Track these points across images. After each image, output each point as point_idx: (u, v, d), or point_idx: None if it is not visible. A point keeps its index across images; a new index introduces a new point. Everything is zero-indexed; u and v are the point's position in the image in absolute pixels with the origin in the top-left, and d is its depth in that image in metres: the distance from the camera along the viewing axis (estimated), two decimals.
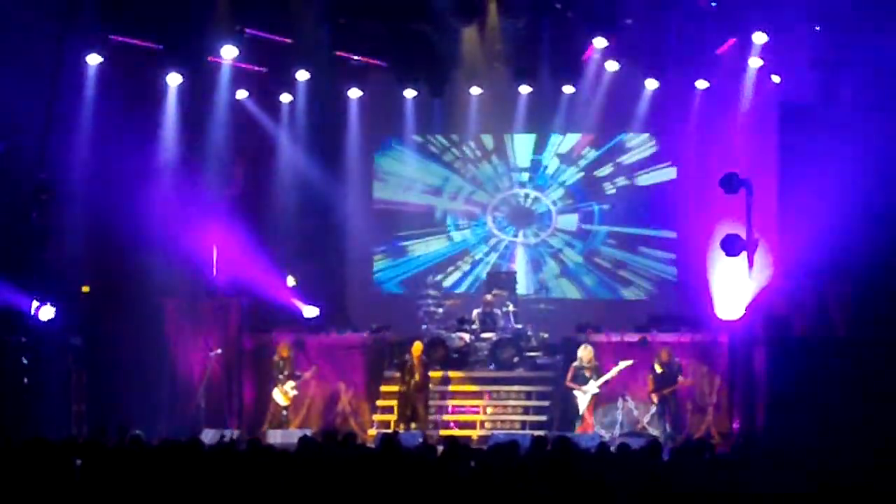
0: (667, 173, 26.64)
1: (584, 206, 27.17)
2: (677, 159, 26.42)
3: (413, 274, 27.41)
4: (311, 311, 24.75)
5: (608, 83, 24.42)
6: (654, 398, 21.48)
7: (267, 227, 25.13)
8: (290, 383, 22.48)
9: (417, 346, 22.16)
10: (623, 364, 21.61)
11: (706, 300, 22.85)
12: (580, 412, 21.69)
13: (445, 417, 22.70)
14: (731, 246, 18.72)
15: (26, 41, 20.43)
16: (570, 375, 21.87)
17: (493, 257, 27.38)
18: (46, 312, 20.98)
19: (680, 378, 21.59)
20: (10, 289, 20.64)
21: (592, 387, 21.58)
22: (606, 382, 21.64)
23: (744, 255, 18.96)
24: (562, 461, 11.57)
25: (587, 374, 21.71)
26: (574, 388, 21.76)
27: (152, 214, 22.58)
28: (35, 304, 20.91)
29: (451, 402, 22.99)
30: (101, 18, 21.49)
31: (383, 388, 23.18)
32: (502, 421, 22.61)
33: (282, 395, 22.54)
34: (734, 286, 21.60)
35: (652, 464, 12.74)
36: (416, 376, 21.88)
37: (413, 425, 21.63)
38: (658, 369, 21.52)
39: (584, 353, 21.91)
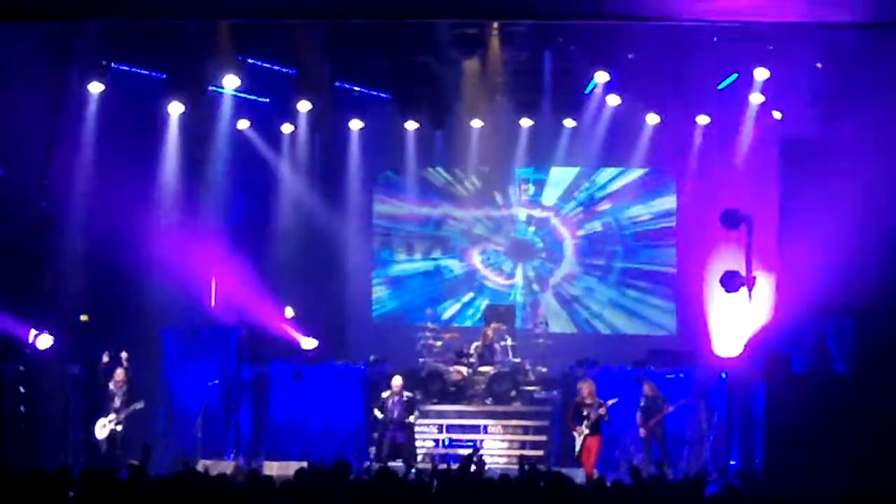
0: (667, 208, 26.66)
1: (583, 241, 27.16)
2: (678, 194, 26.46)
3: (412, 306, 27.37)
4: (309, 343, 24.68)
5: (609, 117, 24.47)
6: (642, 432, 21.16)
7: (266, 257, 25.14)
8: (112, 416, 20.70)
9: (397, 381, 21.51)
10: (604, 406, 19.89)
11: (705, 337, 22.80)
12: (576, 454, 20.14)
13: (441, 451, 22.57)
14: (731, 282, 18.69)
15: (28, 69, 20.45)
16: (570, 413, 20.45)
17: (492, 290, 27.35)
18: (44, 341, 20.90)
19: (666, 407, 21.18)
20: (8, 317, 20.58)
21: (583, 429, 20.03)
22: (598, 421, 19.93)
23: (743, 291, 18.93)
24: (555, 497, 11.52)
25: (585, 411, 20.05)
26: (571, 429, 20.34)
27: (152, 243, 22.58)
28: (33, 332, 20.85)
29: (447, 436, 22.89)
30: (103, 47, 21.53)
31: None
32: (499, 455, 22.51)
33: (99, 427, 20.78)
34: (733, 323, 21.53)
35: (650, 499, 12.67)
36: (395, 413, 21.23)
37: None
38: (643, 403, 21.19)
39: (583, 386, 20.27)
